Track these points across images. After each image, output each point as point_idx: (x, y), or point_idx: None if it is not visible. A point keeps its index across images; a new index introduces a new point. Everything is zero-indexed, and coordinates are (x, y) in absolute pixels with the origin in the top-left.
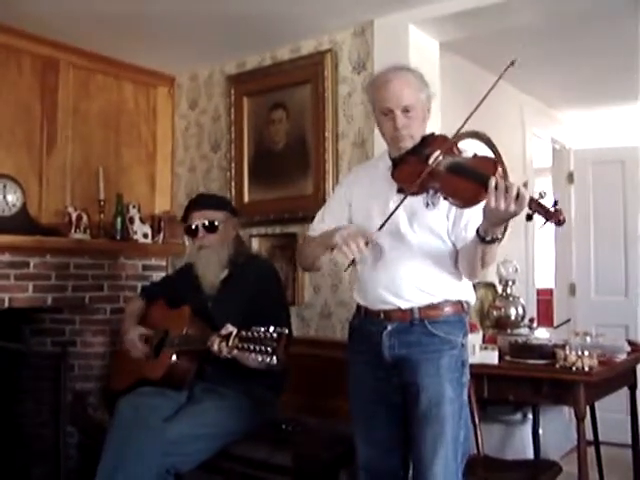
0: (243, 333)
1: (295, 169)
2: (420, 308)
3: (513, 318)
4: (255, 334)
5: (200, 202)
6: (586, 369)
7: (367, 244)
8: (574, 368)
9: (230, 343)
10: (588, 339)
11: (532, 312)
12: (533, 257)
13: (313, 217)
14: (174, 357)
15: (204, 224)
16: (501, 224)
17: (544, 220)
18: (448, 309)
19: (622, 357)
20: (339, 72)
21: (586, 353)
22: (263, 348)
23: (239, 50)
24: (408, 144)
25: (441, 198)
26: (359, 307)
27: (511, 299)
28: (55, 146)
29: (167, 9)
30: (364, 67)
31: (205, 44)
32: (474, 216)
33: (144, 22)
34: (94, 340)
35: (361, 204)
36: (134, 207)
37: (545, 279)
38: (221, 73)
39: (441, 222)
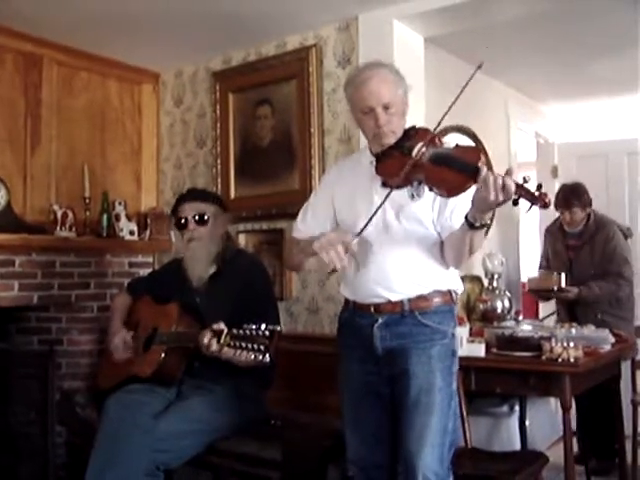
0: (234, 331)
1: (281, 165)
2: (410, 299)
3: (499, 311)
4: (247, 332)
5: (191, 195)
6: (572, 360)
7: (346, 251)
8: (560, 360)
9: (222, 340)
10: (573, 331)
11: (518, 305)
12: (518, 251)
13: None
14: (163, 354)
15: (194, 216)
16: (489, 211)
17: (530, 204)
18: (438, 299)
19: (607, 348)
20: (324, 67)
21: (571, 344)
22: (255, 346)
23: (224, 46)
24: (391, 140)
25: (425, 189)
26: (347, 301)
27: (497, 292)
28: (39, 143)
29: (151, 5)
30: (349, 62)
31: (190, 41)
32: (458, 205)
33: (128, 19)
34: (81, 338)
35: (345, 201)
36: (120, 204)
37: (530, 273)
38: (206, 69)
39: (426, 212)
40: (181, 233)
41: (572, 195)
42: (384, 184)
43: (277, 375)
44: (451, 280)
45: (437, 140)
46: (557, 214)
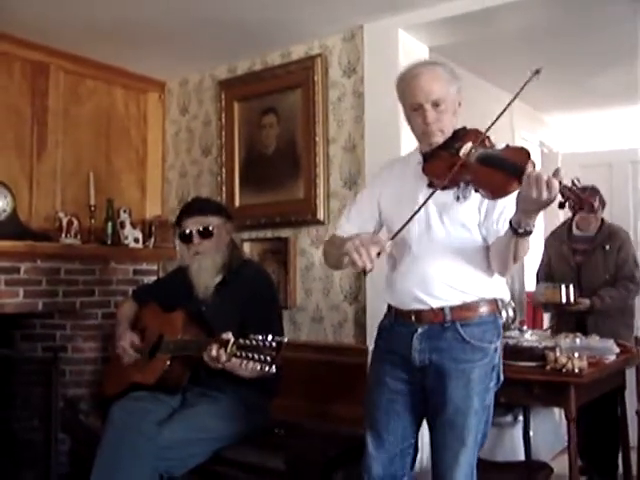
0: (241, 341)
1: (286, 173)
2: (452, 308)
3: (503, 321)
4: (254, 342)
5: (194, 208)
6: (576, 371)
7: (379, 254)
8: (564, 370)
9: (228, 350)
10: (578, 341)
11: (522, 315)
12: (523, 260)
13: (305, 221)
14: (168, 362)
15: (199, 230)
16: (535, 214)
17: (577, 208)
18: (483, 309)
19: (611, 358)
20: (329, 77)
21: (576, 355)
22: (262, 357)
23: (230, 55)
24: (439, 139)
25: (472, 191)
26: (389, 307)
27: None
28: (45, 151)
29: (157, 14)
30: (354, 71)
31: (196, 49)
32: (507, 209)
33: (134, 27)
34: (85, 345)
35: (391, 200)
36: (125, 212)
37: (533, 283)
38: (212, 78)
39: (472, 216)
40: (186, 247)
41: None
42: (430, 184)
43: (282, 383)
44: (497, 288)
45: (487, 141)
46: (561, 219)
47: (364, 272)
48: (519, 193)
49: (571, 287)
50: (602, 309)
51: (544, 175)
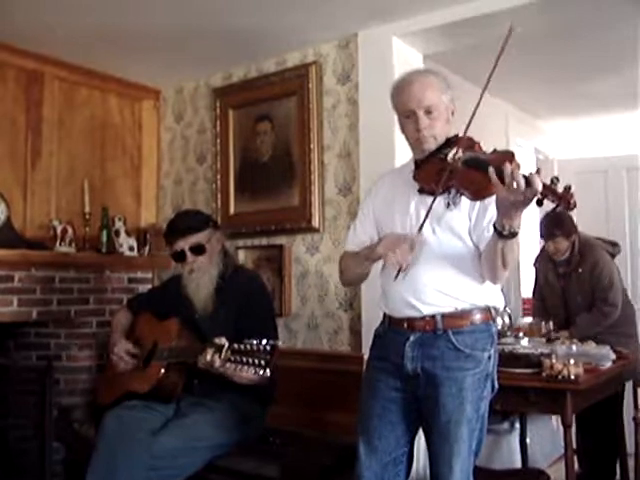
0: (235, 346)
1: (281, 181)
2: (444, 315)
3: (499, 327)
4: (248, 347)
5: (180, 228)
6: (572, 377)
7: (412, 249)
8: (560, 377)
9: (222, 356)
10: (574, 347)
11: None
12: (519, 267)
13: (300, 228)
14: (163, 370)
15: (190, 248)
16: (516, 214)
17: (555, 204)
18: (475, 317)
19: (608, 365)
20: (324, 84)
21: (572, 361)
22: (256, 361)
23: (225, 63)
24: (431, 145)
25: (462, 197)
26: (384, 315)
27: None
28: (40, 159)
29: (152, 23)
30: (349, 79)
31: (191, 57)
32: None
33: (129, 36)
34: (80, 354)
35: (384, 209)
36: (120, 220)
37: (531, 289)
38: (206, 86)
39: (462, 222)
40: (181, 264)
41: (554, 225)
42: (421, 190)
43: (277, 391)
44: (490, 295)
45: (477, 146)
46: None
47: (399, 271)
48: (496, 195)
49: (550, 323)
50: (580, 336)
51: (518, 174)
